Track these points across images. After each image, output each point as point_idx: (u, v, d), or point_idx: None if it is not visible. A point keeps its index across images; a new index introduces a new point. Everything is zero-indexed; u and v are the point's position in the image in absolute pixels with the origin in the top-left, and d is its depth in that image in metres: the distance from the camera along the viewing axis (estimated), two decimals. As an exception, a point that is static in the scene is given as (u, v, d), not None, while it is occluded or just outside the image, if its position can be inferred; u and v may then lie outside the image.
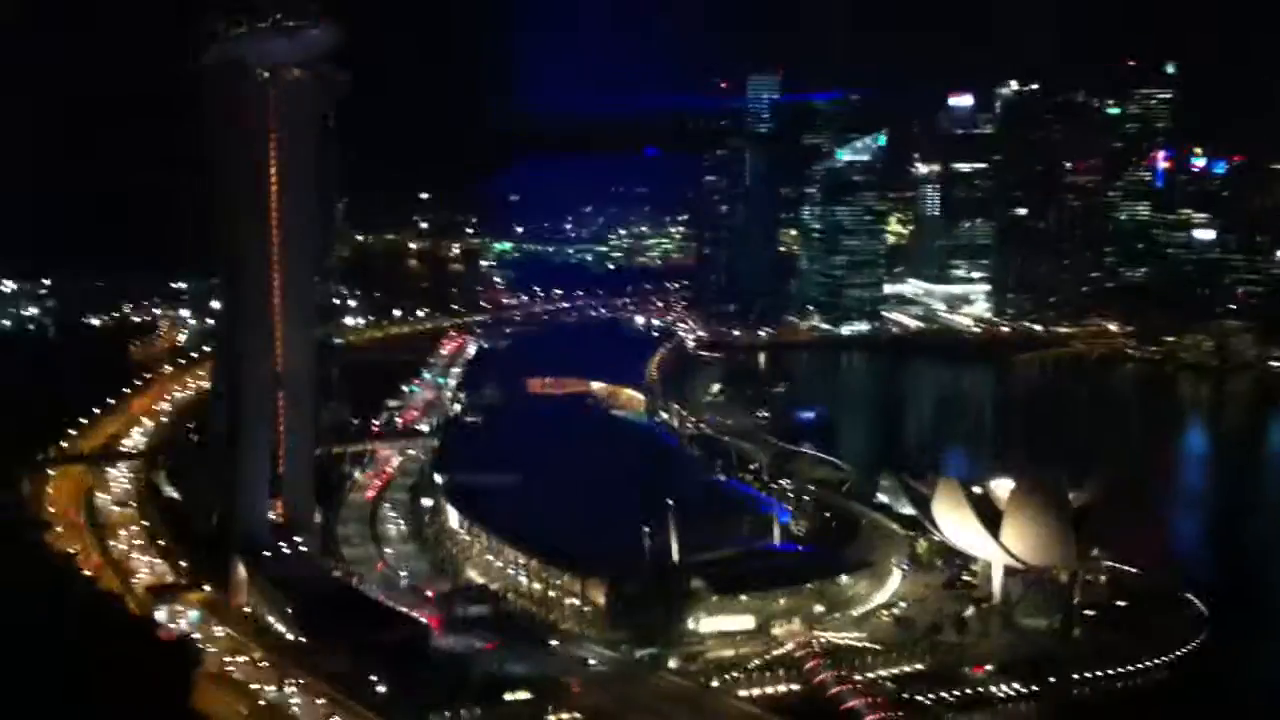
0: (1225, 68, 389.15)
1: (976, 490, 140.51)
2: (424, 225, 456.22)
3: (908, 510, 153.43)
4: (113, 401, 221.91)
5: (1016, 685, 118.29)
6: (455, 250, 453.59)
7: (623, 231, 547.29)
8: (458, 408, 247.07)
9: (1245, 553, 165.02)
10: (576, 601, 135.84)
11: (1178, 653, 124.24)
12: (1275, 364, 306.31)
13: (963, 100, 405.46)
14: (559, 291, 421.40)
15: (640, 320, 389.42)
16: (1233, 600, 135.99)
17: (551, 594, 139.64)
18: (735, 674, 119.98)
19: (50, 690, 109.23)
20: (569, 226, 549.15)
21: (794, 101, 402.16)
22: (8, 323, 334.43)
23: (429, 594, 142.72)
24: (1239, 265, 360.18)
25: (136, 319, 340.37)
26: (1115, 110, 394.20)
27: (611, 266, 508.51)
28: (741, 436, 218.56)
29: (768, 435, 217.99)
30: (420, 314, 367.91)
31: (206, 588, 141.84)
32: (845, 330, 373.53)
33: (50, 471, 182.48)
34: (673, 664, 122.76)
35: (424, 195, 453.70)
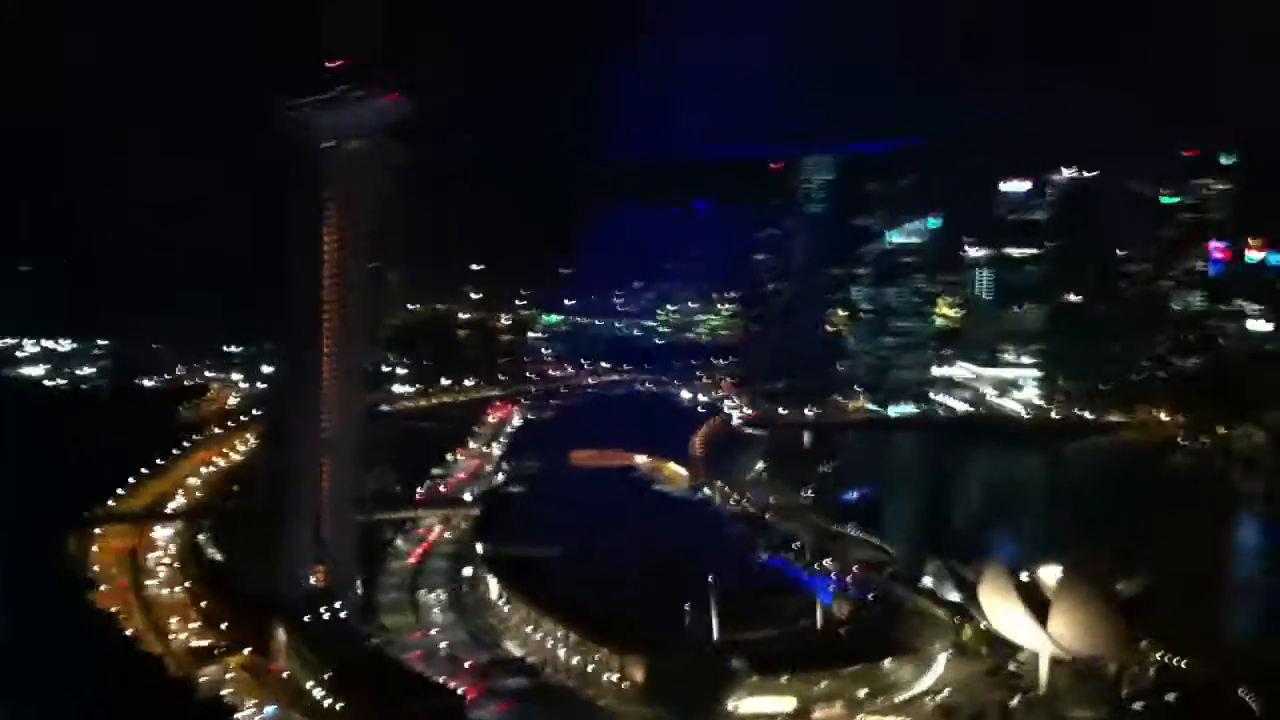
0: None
1: (1024, 577, 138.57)
2: (474, 296, 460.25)
3: (953, 596, 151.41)
4: (160, 462, 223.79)
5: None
6: (504, 321, 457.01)
7: (671, 307, 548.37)
8: (501, 477, 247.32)
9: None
10: (615, 677, 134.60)
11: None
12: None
13: (1018, 185, 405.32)
14: (606, 364, 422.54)
15: (686, 395, 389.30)
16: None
17: (590, 669, 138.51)
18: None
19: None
20: (618, 300, 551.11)
21: (846, 181, 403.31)
22: (63, 381, 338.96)
23: (467, 664, 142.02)
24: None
25: (188, 381, 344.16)
26: (1172, 199, 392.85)
27: (659, 341, 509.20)
28: (785, 515, 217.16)
29: (812, 514, 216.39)
30: (467, 383, 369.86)
31: (247, 651, 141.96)
32: (893, 412, 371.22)
33: (96, 530, 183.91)
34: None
35: (475, 266, 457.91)
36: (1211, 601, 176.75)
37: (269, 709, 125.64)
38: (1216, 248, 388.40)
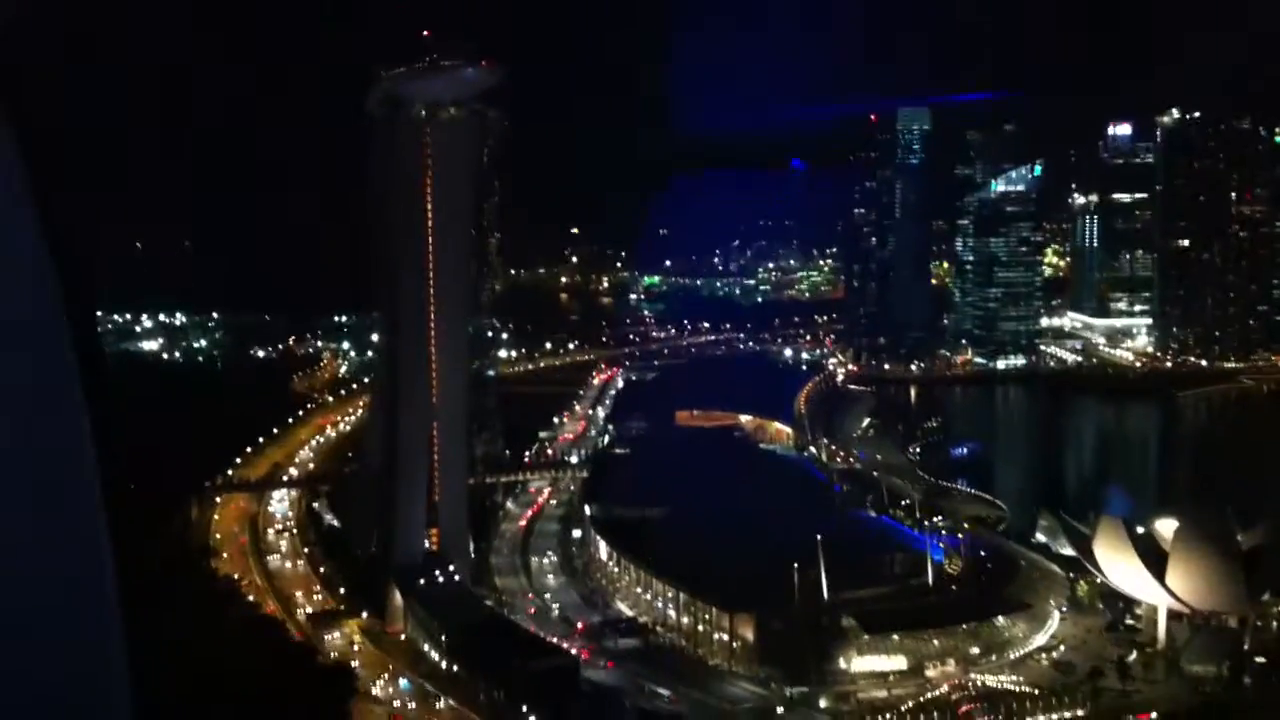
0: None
1: (1140, 530, 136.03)
2: (574, 259, 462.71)
3: (1067, 551, 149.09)
4: (276, 431, 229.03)
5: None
6: (605, 284, 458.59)
7: (771, 264, 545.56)
8: (607, 439, 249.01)
9: None
10: (725, 637, 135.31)
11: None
12: None
13: (1122, 129, 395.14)
14: (707, 324, 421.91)
15: (789, 353, 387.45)
16: None
17: (700, 628, 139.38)
18: (887, 715, 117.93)
19: (214, 714, 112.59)
20: (717, 260, 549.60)
21: (946, 131, 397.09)
22: (179, 355, 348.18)
23: (579, 625, 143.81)
24: None
25: (300, 351, 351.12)
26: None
27: (759, 299, 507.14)
28: (892, 472, 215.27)
29: (920, 471, 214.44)
30: (570, 347, 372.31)
31: (364, 614, 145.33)
32: (1000, 364, 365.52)
33: (217, 499, 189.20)
34: (824, 703, 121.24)
35: (574, 229, 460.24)
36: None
37: (403, 681, 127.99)
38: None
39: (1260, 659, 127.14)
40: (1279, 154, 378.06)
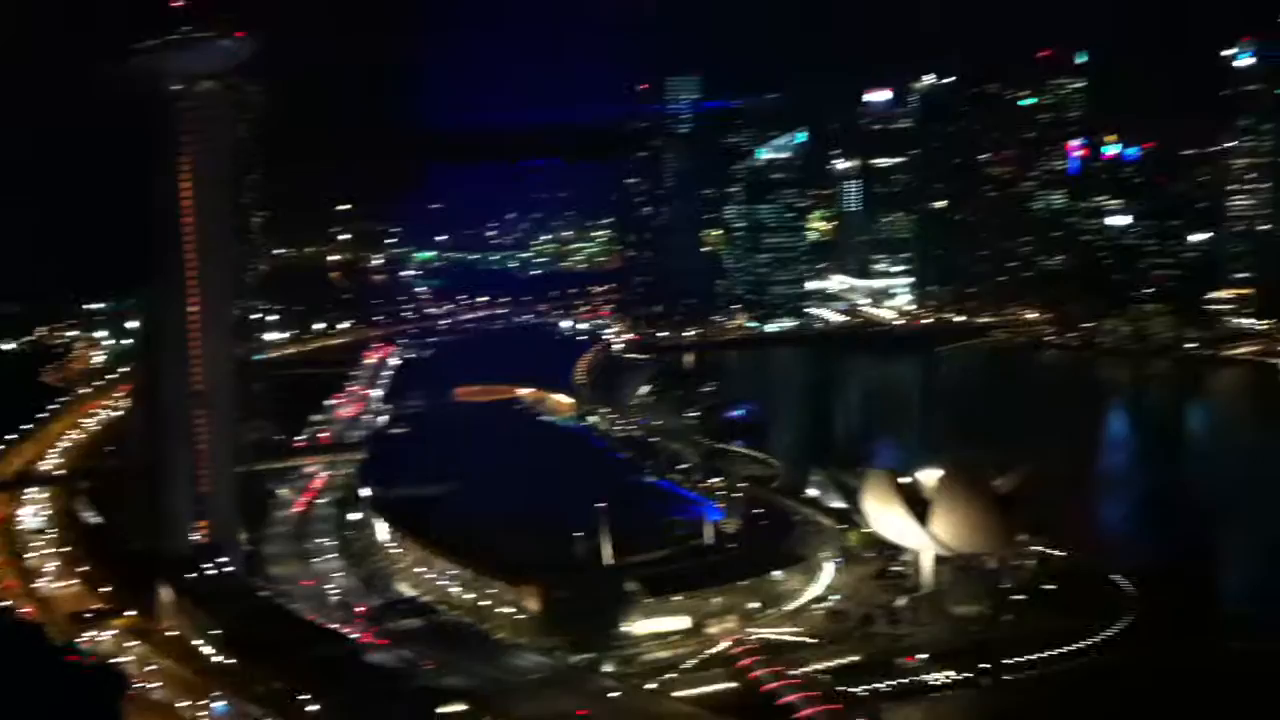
0: (1136, 56, 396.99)
1: (905, 481, 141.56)
2: (344, 236, 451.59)
3: (838, 504, 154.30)
4: (27, 426, 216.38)
5: (950, 673, 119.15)
6: (377, 260, 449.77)
7: (546, 236, 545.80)
8: (384, 419, 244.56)
9: (1170, 532, 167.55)
10: (510, 610, 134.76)
11: (1105, 634, 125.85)
12: (1190, 346, 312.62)
13: (880, 95, 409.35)
14: (484, 298, 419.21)
15: (566, 325, 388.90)
16: (1159, 579, 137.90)
17: (485, 603, 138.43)
18: (672, 675, 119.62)
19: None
20: (492, 233, 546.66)
21: (713, 101, 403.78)
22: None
23: (359, 609, 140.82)
24: (1154, 250, 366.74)
25: (52, 342, 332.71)
26: (1030, 101, 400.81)
27: (536, 272, 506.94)
28: (671, 437, 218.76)
29: (698, 435, 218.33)
30: (343, 326, 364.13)
31: (131, 612, 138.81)
32: (771, 327, 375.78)
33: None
34: (609, 668, 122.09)
35: (344, 206, 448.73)
36: (1084, 491, 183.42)
37: (219, 705, 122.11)
38: (1074, 146, 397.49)
39: (1018, 596, 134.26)
40: (1026, 116, 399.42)
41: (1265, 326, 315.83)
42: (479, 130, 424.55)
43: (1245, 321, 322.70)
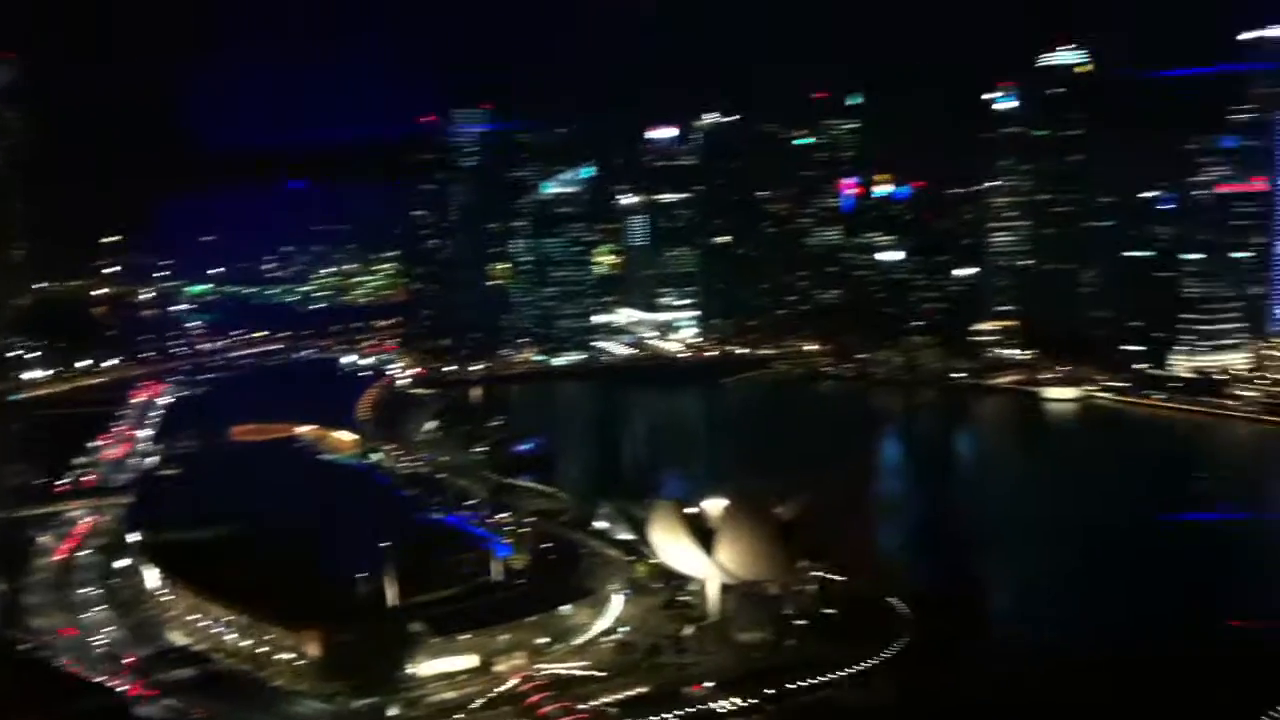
0: (905, 98, 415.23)
1: (691, 511, 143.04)
2: (112, 269, 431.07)
3: (626, 536, 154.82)
4: None
5: (736, 700, 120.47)
6: (147, 295, 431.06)
7: (329, 270, 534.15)
8: (153, 460, 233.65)
9: (943, 554, 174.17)
10: (290, 656, 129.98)
11: (883, 655, 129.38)
12: (958, 375, 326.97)
13: (664, 132, 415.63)
14: (262, 333, 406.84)
15: (349, 360, 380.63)
16: (932, 600, 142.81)
17: (262, 650, 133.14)
18: (459, 715, 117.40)
19: None
20: (270, 266, 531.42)
21: (500, 134, 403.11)
22: None
23: (127, 660, 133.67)
24: (923, 285, 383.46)
25: None
26: (806, 141, 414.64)
27: (318, 305, 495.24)
28: (458, 473, 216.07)
29: (485, 470, 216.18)
30: (110, 364, 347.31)
31: None
32: (559, 361, 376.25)
33: None
34: (393, 711, 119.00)
35: (111, 239, 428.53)
36: (860, 517, 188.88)
37: None
38: (848, 184, 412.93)
39: (800, 621, 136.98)
40: (803, 155, 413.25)
41: (1027, 356, 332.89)
42: (254, 151, 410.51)
43: (1008, 352, 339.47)
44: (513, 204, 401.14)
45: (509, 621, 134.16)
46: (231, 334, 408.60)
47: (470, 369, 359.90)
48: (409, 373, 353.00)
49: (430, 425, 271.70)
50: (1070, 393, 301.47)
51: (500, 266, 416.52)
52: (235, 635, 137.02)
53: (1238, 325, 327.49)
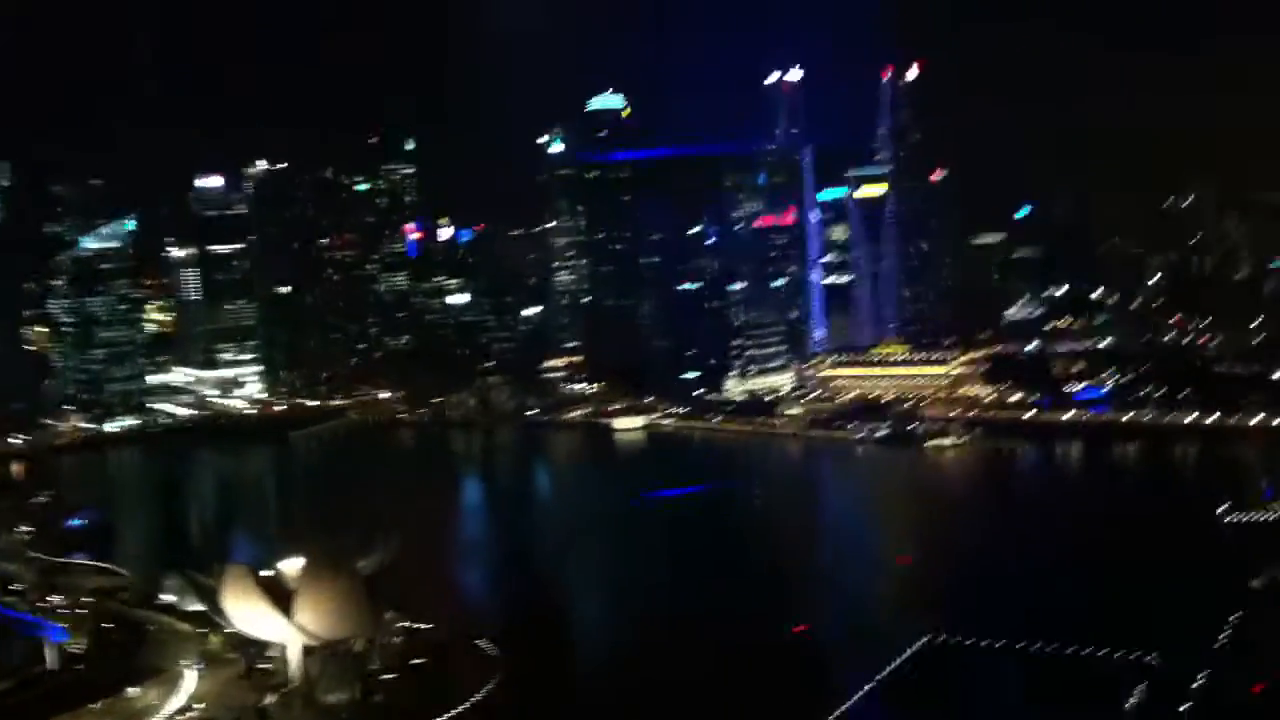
0: (461, 141, 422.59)
1: (267, 574, 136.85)
2: None
3: (196, 607, 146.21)
4: None
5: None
6: None
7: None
8: None
9: (524, 585, 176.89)
10: None
11: (475, 699, 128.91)
12: (532, 413, 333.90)
13: (211, 181, 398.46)
14: None
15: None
16: (520, 639, 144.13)
17: None
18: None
19: None
20: None
21: (27, 186, 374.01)
22: None
23: None
24: (492, 325, 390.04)
25: None
26: (365, 186, 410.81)
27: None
28: (1, 556, 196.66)
29: (32, 550, 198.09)
30: None
31: None
32: (111, 426, 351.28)
33: None
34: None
35: None
36: (444, 561, 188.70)
37: None
38: (410, 229, 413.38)
39: (388, 675, 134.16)
40: (363, 201, 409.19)
41: (594, 390, 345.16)
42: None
43: (578, 387, 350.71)
44: (48, 262, 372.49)
45: (69, 710, 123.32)
46: None
47: (9, 442, 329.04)
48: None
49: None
50: (637, 422, 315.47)
51: (38, 329, 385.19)
52: None
53: (781, 349, 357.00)
